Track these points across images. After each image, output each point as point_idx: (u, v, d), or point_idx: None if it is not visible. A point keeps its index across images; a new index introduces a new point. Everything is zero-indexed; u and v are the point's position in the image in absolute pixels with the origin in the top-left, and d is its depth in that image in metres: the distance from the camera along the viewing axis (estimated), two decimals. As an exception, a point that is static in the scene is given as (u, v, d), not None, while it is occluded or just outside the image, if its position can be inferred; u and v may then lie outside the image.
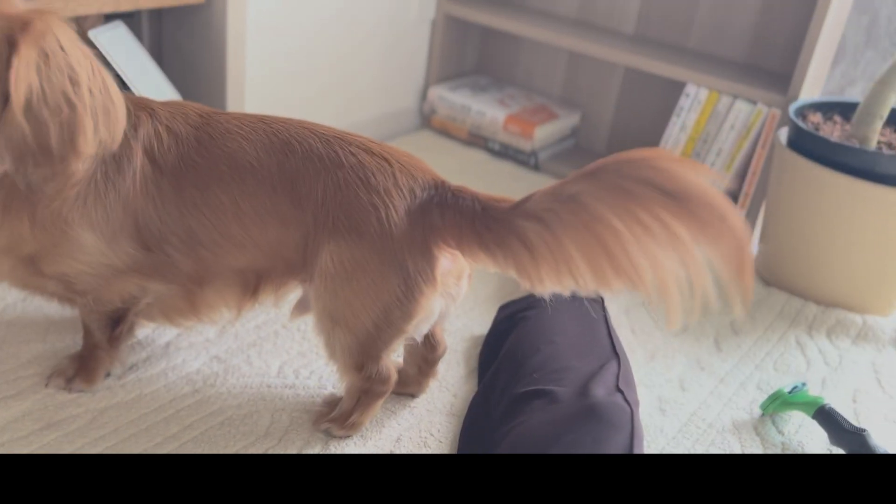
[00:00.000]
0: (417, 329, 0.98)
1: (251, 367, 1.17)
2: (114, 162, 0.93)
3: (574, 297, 1.23)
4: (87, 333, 1.07)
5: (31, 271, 0.97)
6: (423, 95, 2.14)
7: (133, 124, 0.94)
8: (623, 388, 1.01)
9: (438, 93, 2.09)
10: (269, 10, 1.64)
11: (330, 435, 1.05)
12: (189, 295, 1.02)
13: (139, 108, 0.97)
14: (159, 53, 1.65)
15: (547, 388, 1.01)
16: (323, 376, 1.17)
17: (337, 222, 0.93)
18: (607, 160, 0.84)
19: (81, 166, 0.88)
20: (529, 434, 0.93)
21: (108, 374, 1.10)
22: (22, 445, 0.97)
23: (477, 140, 2.06)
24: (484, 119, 2.02)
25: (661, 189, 0.79)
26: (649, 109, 2.00)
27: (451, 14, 2.04)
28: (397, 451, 1.05)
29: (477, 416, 1.09)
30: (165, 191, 0.95)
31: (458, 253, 0.94)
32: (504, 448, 0.94)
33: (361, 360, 0.99)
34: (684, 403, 1.21)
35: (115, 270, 0.98)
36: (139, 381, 1.11)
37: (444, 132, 2.12)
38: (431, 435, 1.09)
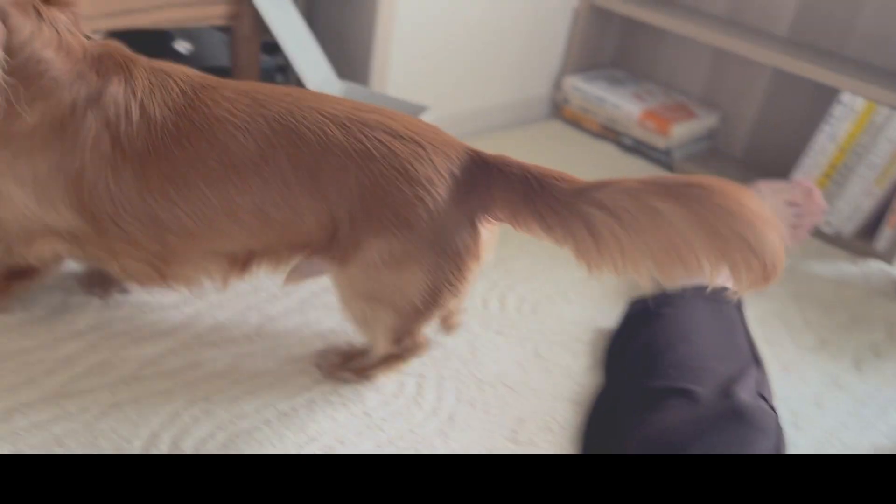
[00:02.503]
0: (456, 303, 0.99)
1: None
2: (59, 126, 0.87)
3: (711, 298, 1.19)
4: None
5: None
6: (557, 84, 2.12)
7: (94, 92, 0.87)
8: (765, 395, 0.96)
9: (573, 83, 2.06)
10: (419, -14, 1.65)
11: (346, 381, 1.06)
12: (156, 268, 0.97)
13: (114, 66, 0.89)
14: (310, 22, 1.69)
15: (685, 387, 0.97)
16: (448, 348, 1.17)
17: (383, 219, 0.89)
18: (694, 182, 0.82)
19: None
20: (667, 431, 0.90)
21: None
22: (167, 379, 1.02)
23: (608, 133, 2.02)
24: (618, 112, 1.98)
25: (749, 246, 0.80)
26: (795, 116, 1.91)
27: (595, 3, 2.01)
28: (520, 433, 1.04)
29: (603, 407, 1.07)
30: (124, 176, 0.88)
31: (496, 224, 0.93)
32: (636, 442, 0.92)
33: (401, 334, 0.99)
34: (820, 421, 1.15)
35: (47, 228, 0.93)
36: (276, 333, 1.14)
37: (575, 123, 2.09)
38: (555, 420, 1.07)
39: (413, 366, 1.12)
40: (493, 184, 0.90)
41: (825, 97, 1.82)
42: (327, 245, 0.94)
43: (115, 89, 0.87)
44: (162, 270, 0.96)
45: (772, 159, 1.96)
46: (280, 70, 1.65)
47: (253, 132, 0.88)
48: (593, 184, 0.88)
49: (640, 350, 1.11)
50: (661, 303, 1.22)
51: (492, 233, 0.95)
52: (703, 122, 1.99)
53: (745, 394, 0.95)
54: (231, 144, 0.88)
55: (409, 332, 1.00)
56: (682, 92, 2.10)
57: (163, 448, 0.91)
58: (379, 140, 0.89)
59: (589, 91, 2.03)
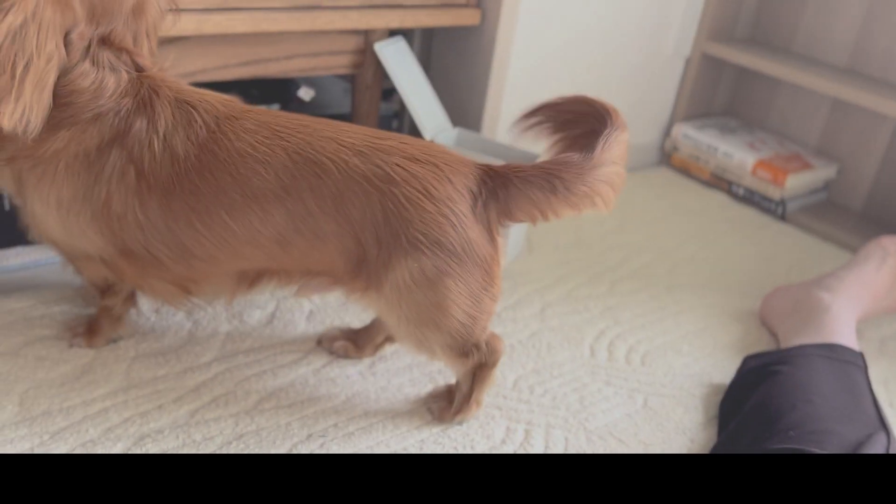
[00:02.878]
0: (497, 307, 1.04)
1: (489, 377, 1.19)
2: (84, 157, 0.92)
3: (832, 357, 1.15)
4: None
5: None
6: (667, 132, 2.10)
7: (120, 129, 0.92)
8: None
9: (683, 130, 2.04)
10: (531, 37, 1.68)
11: (460, 423, 1.09)
12: (183, 286, 1.02)
13: (141, 98, 0.93)
14: (426, 69, 1.74)
15: (806, 450, 0.94)
16: (556, 396, 1.17)
17: (412, 239, 0.93)
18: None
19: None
20: (788, 494, 0.87)
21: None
22: (287, 413, 1.05)
23: (720, 183, 1.99)
24: (731, 162, 1.95)
25: None
26: (921, 169, 1.83)
27: (708, 53, 1.99)
28: (630, 486, 1.03)
29: (718, 465, 1.04)
30: (151, 207, 0.92)
31: (502, 233, 1.00)
32: None
33: (464, 349, 1.02)
34: (953, 494, 1.08)
35: (84, 254, 0.99)
36: (387, 371, 1.16)
37: (685, 171, 2.06)
38: (666, 476, 1.05)
39: (521, 413, 1.12)
40: (510, 190, 0.96)
41: (955, 150, 1.74)
42: (354, 272, 0.96)
43: (140, 125, 0.91)
44: (188, 289, 1.02)
45: (893, 214, 1.88)
46: (395, 116, 1.71)
47: (274, 165, 0.92)
48: (600, 147, 0.98)
49: (756, 409, 1.08)
50: (778, 360, 1.18)
51: (504, 238, 1.02)
52: (820, 173, 1.93)
53: (873, 461, 0.91)
54: (253, 177, 0.92)
55: (471, 343, 1.02)
56: (797, 142, 2.05)
57: (281, 480, 0.95)
58: (397, 164, 0.94)
59: (700, 139, 2.00)
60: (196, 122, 0.93)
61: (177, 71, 1.29)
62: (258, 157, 0.92)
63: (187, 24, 1.21)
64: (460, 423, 1.09)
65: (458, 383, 1.09)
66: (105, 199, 0.92)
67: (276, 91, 1.63)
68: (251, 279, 1.01)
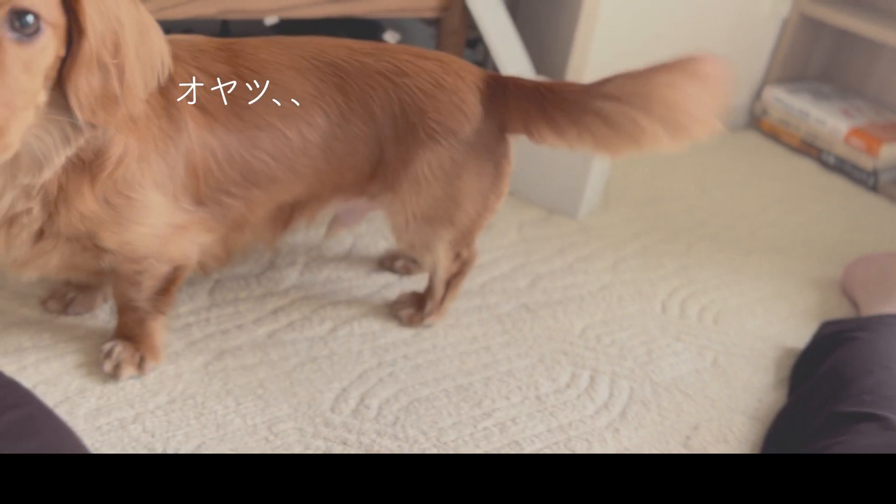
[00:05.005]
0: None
1: (556, 322, 1.20)
2: (165, 115, 0.86)
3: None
4: (131, 310, 0.97)
5: (81, 249, 0.87)
6: (757, 95, 2.04)
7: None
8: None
9: (775, 94, 1.97)
10: (624, -13, 1.65)
11: (430, 326, 1.13)
12: (226, 241, 0.99)
13: None
14: (513, 16, 1.73)
15: (880, 413, 0.92)
16: (624, 347, 1.17)
17: (428, 129, 0.96)
18: (690, 57, 0.94)
19: (138, 111, 0.79)
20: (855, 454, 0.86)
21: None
22: (359, 341, 1.09)
23: (809, 150, 1.92)
24: (823, 128, 1.88)
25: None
26: None
27: (806, 13, 1.91)
28: (693, 440, 1.02)
29: (786, 426, 1.03)
30: (222, 136, 0.89)
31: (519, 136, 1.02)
32: (821, 462, 0.88)
33: (459, 248, 1.07)
34: None
35: (176, 228, 0.91)
36: (456, 310, 1.19)
37: (773, 136, 2.00)
38: (731, 432, 1.05)
39: (587, 360, 1.13)
40: (508, 96, 0.99)
41: None
42: (371, 177, 1.00)
43: (174, 64, 0.86)
44: (231, 243, 1.00)
45: None
46: (479, 65, 1.71)
47: (301, 70, 0.93)
48: (599, 80, 0.96)
49: (830, 372, 1.06)
50: (857, 326, 1.15)
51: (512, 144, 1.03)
52: (919, 144, 1.84)
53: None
54: (289, 82, 0.92)
55: (468, 242, 1.08)
56: (895, 111, 1.96)
57: (351, 403, 0.98)
58: (407, 60, 0.97)
59: (792, 104, 1.93)
60: (206, 50, 0.90)
61: (267, 6, 1.32)
62: (284, 64, 0.93)
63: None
64: (430, 326, 1.13)
65: (429, 290, 1.13)
66: (190, 150, 0.87)
67: (362, 33, 1.64)
68: (286, 216, 1.01)
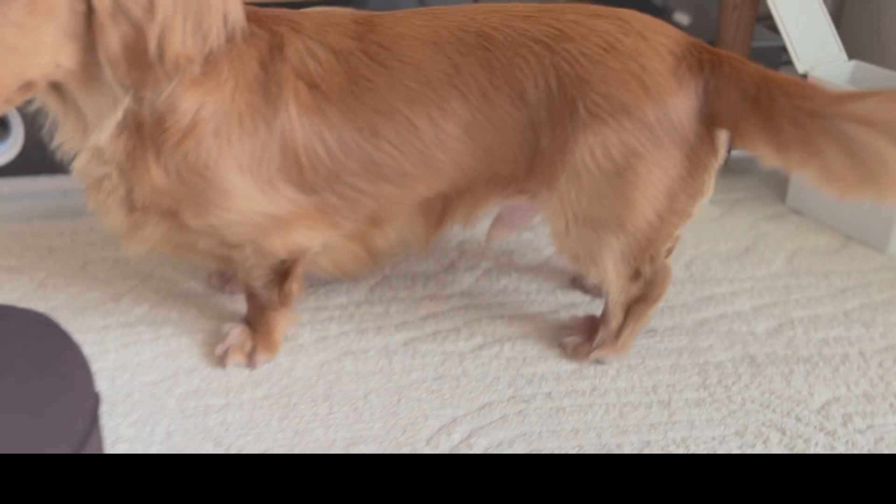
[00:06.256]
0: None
1: (787, 387, 0.87)
2: (260, 90, 0.75)
3: None
4: (251, 296, 0.90)
5: (177, 227, 0.80)
6: None
7: (275, 44, 0.77)
8: None
9: None
10: None
11: (601, 362, 0.90)
12: (365, 238, 0.86)
13: (276, 22, 0.78)
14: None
15: None
16: (885, 438, 0.80)
17: (591, 106, 0.76)
18: None
19: (182, 70, 0.70)
20: None
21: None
22: (502, 367, 0.90)
23: None
24: None
25: None
26: None
27: None
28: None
29: None
30: (334, 120, 0.77)
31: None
32: None
33: (638, 264, 0.83)
34: None
35: (275, 219, 0.80)
36: (647, 348, 0.93)
37: None
38: None
39: (815, 443, 0.79)
40: (720, 79, 0.77)
41: None
42: (528, 170, 0.81)
43: (291, 36, 0.78)
44: (371, 242, 0.87)
45: None
46: (784, 50, 1.36)
47: (439, 43, 0.78)
48: (849, 93, 0.73)
49: None
50: None
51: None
52: None
53: None
54: (422, 60, 0.78)
55: (650, 257, 0.84)
56: None
57: (454, 438, 0.81)
58: (573, 21, 0.79)
59: None
60: (340, 22, 0.80)
61: None
62: (421, 38, 0.79)
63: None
64: (600, 362, 0.90)
65: (604, 316, 0.89)
66: (289, 131, 0.77)
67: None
68: (438, 212, 0.87)
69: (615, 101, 0.76)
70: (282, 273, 0.86)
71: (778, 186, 1.25)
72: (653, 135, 0.77)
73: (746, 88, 0.76)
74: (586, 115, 0.77)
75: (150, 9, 0.66)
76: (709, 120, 0.78)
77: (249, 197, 0.78)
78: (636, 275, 0.85)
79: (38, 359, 0.59)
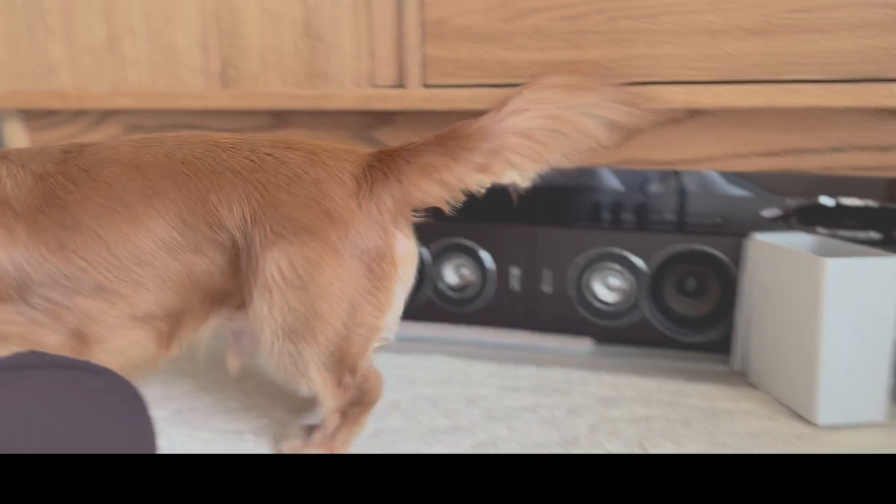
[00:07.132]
0: (388, 324, 0.90)
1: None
2: None
3: None
4: None
5: None
6: None
7: None
8: None
9: None
10: None
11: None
12: (77, 355, 0.86)
13: None
14: None
15: None
16: None
17: (277, 228, 0.84)
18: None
19: None
20: None
21: None
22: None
23: None
24: None
25: None
26: None
27: None
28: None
29: None
30: (21, 235, 0.83)
31: (408, 234, 0.90)
32: None
33: (339, 374, 0.88)
34: None
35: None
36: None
37: None
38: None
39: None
40: (401, 168, 0.88)
41: None
42: (238, 289, 0.87)
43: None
44: (84, 356, 0.88)
45: None
46: None
47: (141, 166, 0.86)
48: (503, 102, 0.89)
49: None
50: None
51: (408, 245, 0.90)
52: None
53: None
54: (117, 179, 0.85)
55: (348, 367, 0.88)
56: None
57: None
58: (268, 153, 0.87)
59: None
60: (49, 152, 0.89)
61: (673, 157, 1.19)
62: (122, 162, 0.86)
63: (676, 96, 1.08)
64: None
65: (323, 420, 0.93)
66: None
67: (874, 219, 1.29)
68: (168, 333, 0.90)
69: (299, 223, 0.84)
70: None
71: None
72: (334, 250, 0.84)
73: (426, 155, 0.88)
74: (273, 235, 0.84)
75: None
76: (400, 214, 0.88)
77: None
78: (338, 382, 0.89)
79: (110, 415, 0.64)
